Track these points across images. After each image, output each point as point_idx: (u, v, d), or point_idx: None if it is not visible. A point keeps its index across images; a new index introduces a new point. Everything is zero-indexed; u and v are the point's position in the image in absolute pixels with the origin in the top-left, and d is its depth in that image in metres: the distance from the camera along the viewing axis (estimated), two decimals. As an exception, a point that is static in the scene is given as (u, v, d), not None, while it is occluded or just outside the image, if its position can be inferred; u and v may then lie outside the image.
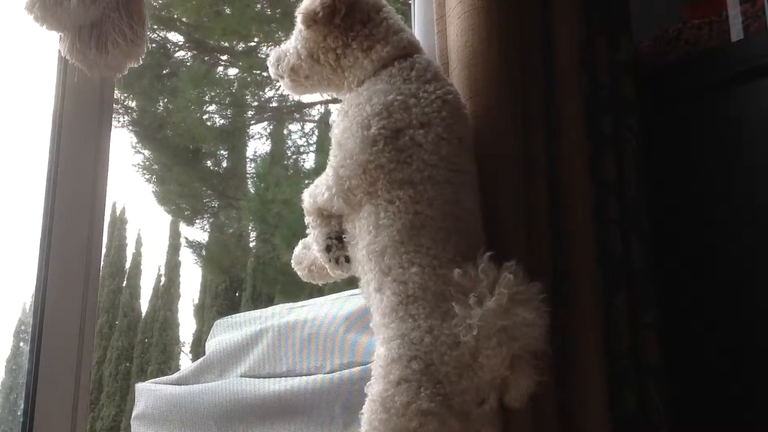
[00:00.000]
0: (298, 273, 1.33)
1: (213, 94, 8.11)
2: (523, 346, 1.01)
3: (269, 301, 8.71)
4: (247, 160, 9.18)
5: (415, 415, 0.98)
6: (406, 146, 1.10)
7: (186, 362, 10.45)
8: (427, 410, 0.98)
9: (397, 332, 1.04)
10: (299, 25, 1.23)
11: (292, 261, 1.34)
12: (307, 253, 1.30)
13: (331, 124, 1.22)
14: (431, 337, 1.02)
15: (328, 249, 1.20)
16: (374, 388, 1.04)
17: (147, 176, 8.74)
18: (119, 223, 10.97)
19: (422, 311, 1.04)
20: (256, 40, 8.05)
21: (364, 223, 1.13)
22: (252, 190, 8.48)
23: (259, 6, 7.69)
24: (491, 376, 1.01)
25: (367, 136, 1.11)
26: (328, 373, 2.05)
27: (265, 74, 8.09)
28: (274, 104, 8.74)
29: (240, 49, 8.19)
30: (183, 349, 10.81)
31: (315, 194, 1.20)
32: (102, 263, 1.43)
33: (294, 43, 1.27)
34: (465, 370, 1.01)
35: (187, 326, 12.55)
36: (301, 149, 8.85)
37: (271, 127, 9.08)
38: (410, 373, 1.01)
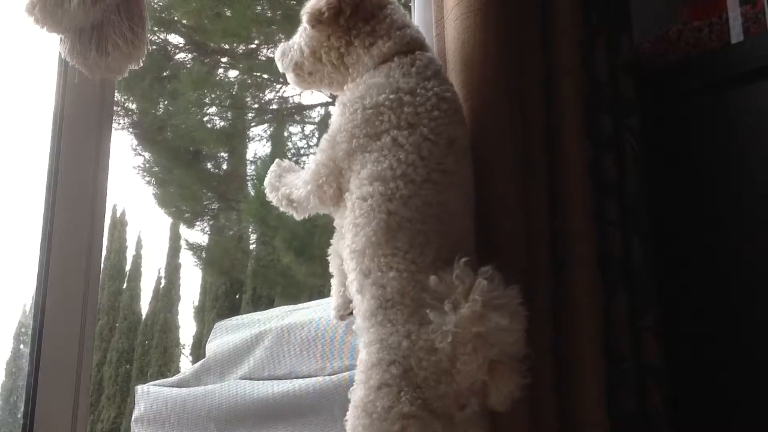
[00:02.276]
0: (273, 201, 1.31)
1: (213, 96, 8.11)
2: (500, 352, 1.00)
3: (269, 304, 8.70)
4: (248, 162, 9.18)
5: (397, 418, 0.99)
6: (384, 146, 1.11)
7: (186, 364, 10.44)
8: (409, 413, 0.99)
9: (376, 336, 1.05)
10: (304, 23, 1.23)
11: (265, 186, 1.33)
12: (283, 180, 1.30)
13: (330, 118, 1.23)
14: (409, 342, 1.02)
15: None
16: (356, 394, 1.05)
17: (147, 178, 8.74)
18: (119, 225, 10.98)
19: (400, 316, 1.03)
20: (256, 42, 8.05)
21: (347, 221, 1.14)
22: (252, 193, 8.48)
23: (259, 8, 7.69)
24: (469, 382, 1.01)
25: (351, 148, 1.14)
26: (328, 375, 2.05)
27: (265, 76, 8.10)
28: (275, 106, 8.73)
29: (240, 51, 8.19)
30: (183, 351, 10.80)
31: (293, 185, 1.24)
32: (102, 265, 1.43)
33: (298, 39, 1.28)
34: (443, 376, 1.01)
35: (187, 328, 12.54)
36: (302, 151, 8.84)
37: (271, 129, 9.07)
38: (389, 378, 1.01)
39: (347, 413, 1.05)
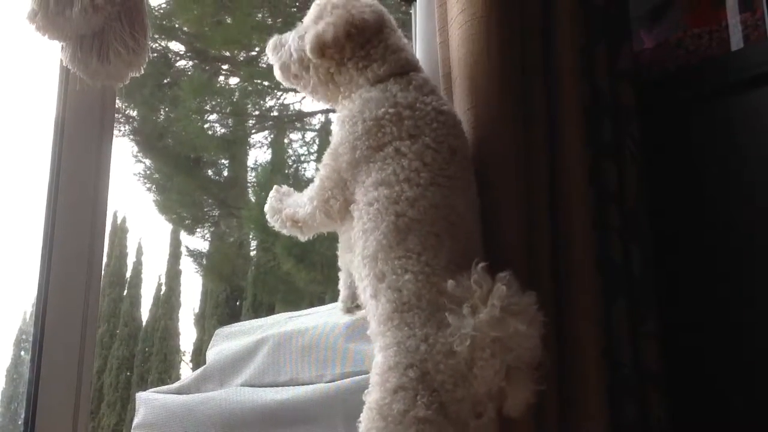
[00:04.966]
0: (276, 225, 1.32)
1: (214, 103, 8.11)
2: (517, 357, 1.00)
3: (270, 310, 8.70)
4: (248, 169, 9.18)
5: (412, 422, 0.98)
6: (388, 155, 1.12)
7: (186, 371, 10.44)
8: (424, 418, 0.98)
9: (393, 340, 1.05)
10: (307, 51, 1.23)
11: (266, 212, 1.33)
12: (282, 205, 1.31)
13: (332, 129, 1.24)
14: (426, 345, 1.02)
15: None
16: (372, 396, 1.04)
17: (148, 185, 8.73)
18: (120, 232, 10.98)
19: (417, 320, 1.04)
20: (257, 49, 8.05)
21: (356, 230, 1.14)
22: (253, 199, 8.47)
23: (260, 15, 7.70)
24: (487, 387, 1.01)
25: (354, 159, 1.15)
26: (329, 382, 2.04)
27: (266, 83, 8.10)
28: (275, 113, 8.74)
29: (241, 58, 8.19)
30: (183, 358, 10.80)
31: (296, 204, 1.26)
32: (102, 272, 1.43)
33: (291, 41, 1.29)
34: (460, 380, 1.00)
35: (187, 335, 12.54)
36: (302, 158, 8.84)
37: (272, 136, 9.07)
38: (407, 381, 1.01)
39: (361, 415, 1.04)
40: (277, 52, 1.32)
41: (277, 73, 1.34)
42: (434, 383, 1.00)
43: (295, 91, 1.39)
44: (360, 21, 1.20)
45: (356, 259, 1.15)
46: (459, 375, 1.00)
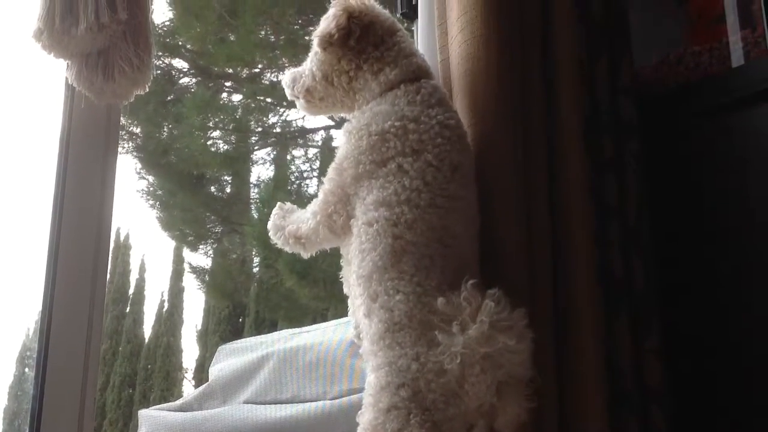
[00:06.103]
0: (278, 243, 1.32)
1: (217, 120, 8.14)
2: (507, 373, 1.01)
3: (273, 327, 8.69)
4: (251, 185, 9.19)
5: None
6: (390, 172, 1.12)
7: (189, 389, 10.40)
8: None
9: (385, 360, 1.05)
10: (315, 47, 1.25)
11: (269, 230, 1.32)
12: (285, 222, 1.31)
13: (338, 141, 1.25)
14: (418, 364, 1.02)
15: None
16: (365, 417, 1.05)
17: (151, 202, 8.74)
18: (123, 248, 10.99)
19: (408, 339, 1.04)
20: (260, 66, 8.09)
21: (353, 247, 1.15)
22: (255, 216, 8.47)
23: (263, 33, 7.74)
24: (477, 404, 1.01)
25: (357, 174, 1.16)
26: (332, 399, 2.05)
27: (269, 100, 8.14)
28: (278, 130, 8.76)
29: (244, 75, 8.23)
30: (186, 375, 10.77)
31: (299, 220, 1.25)
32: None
33: (309, 65, 1.30)
34: (452, 398, 1.01)
35: (190, 352, 12.52)
36: (305, 174, 8.86)
37: (274, 152, 9.09)
38: (399, 401, 1.01)
39: None
40: (297, 82, 1.33)
41: (302, 104, 1.34)
42: (426, 402, 1.01)
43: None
44: (360, 4, 1.22)
45: (351, 277, 1.16)
46: (450, 393, 1.01)
